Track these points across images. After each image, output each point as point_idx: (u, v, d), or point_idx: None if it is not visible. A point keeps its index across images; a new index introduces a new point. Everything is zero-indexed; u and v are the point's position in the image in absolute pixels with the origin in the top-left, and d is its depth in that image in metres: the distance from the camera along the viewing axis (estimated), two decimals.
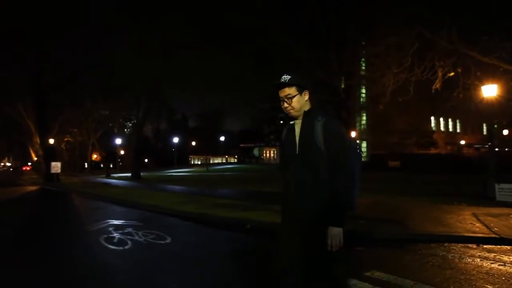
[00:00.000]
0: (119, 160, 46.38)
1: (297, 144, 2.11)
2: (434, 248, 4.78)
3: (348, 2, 18.47)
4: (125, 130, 42.66)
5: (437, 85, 12.27)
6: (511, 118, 15.08)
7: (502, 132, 31.29)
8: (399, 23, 13.09)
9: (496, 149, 10.65)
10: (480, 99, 11.70)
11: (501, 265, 4.00)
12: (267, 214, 7.24)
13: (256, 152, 58.18)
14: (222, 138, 48.19)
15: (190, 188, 15.40)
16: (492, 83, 10.74)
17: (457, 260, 4.20)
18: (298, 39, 20.30)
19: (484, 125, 48.94)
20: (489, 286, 3.35)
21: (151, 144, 66.22)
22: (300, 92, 2.10)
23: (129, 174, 30.62)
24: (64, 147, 40.79)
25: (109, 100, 32.86)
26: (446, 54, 12.20)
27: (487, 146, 36.29)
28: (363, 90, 33.86)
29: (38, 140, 33.84)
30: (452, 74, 12.01)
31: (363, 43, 19.23)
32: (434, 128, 41.01)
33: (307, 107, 2.15)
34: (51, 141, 26.59)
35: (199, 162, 69.27)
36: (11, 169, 76.66)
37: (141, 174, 26.96)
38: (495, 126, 11.08)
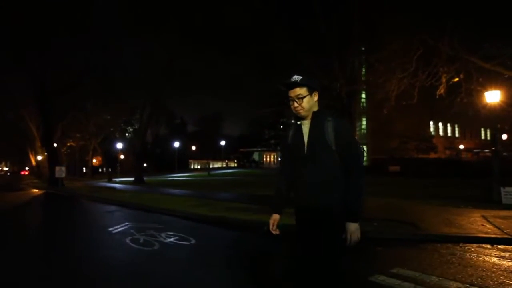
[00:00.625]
0: (118, 164, 46.39)
1: (306, 144, 2.13)
2: (451, 248, 4.99)
3: (351, 8, 18.78)
4: (126, 134, 42.74)
5: (441, 90, 12.56)
6: None
7: (501, 136, 31.69)
8: (402, 29, 13.43)
9: (505, 154, 10.90)
10: (483, 104, 11.99)
11: None
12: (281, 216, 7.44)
13: (256, 156, 58.38)
14: (223, 143, 48.35)
15: (196, 192, 15.54)
16: (495, 89, 11.03)
17: (475, 259, 4.42)
18: (301, 45, 20.60)
19: (482, 130, 49.58)
20: (510, 282, 3.56)
21: (150, 149, 66.21)
22: (311, 93, 2.15)
23: (131, 179, 30.68)
24: (64, 152, 40.76)
25: (109, 105, 33.02)
26: (449, 60, 12.52)
27: (486, 150, 36.48)
28: (363, 95, 34.26)
29: (39, 144, 33.98)
30: (456, 79, 12.31)
31: (363, 48, 19.58)
32: (433, 133, 41.42)
33: (316, 108, 2.19)
34: (55, 145, 26.62)
35: (199, 167, 69.33)
36: (9, 174, 76.16)
37: (144, 178, 27.06)
38: (497, 130, 11.32)
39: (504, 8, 12.43)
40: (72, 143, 37.72)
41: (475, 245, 5.17)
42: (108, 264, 4.50)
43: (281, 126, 41.84)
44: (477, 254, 4.68)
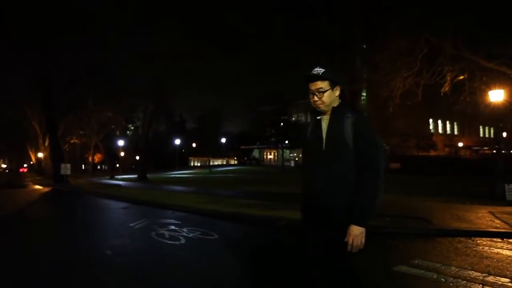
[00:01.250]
0: (116, 162, 46.55)
1: (324, 140, 2.06)
2: (464, 242, 5.25)
3: (354, 8, 18.97)
4: (128, 132, 42.82)
5: (446, 88, 12.81)
6: None
7: (501, 134, 32.07)
8: (406, 29, 13.64)
9: (504, 151, 11.18)
10: (486, 103, 12.26)
11: None
12: (294, 212, 7.68)
13: (256, 154, 58.65)
14: (223, 140, 48.56)
15: (203, 189, 15.78)
16: (499, 87, 11.29)
17: (489, 251, 4.68)
18: (304, 44, 20.79)
19: (481, 127, 50.02)
20: None
21: (149, 146, 66.23)
22: (332, 87, 2.07)
23: (133, 176, 30.91)
24: (66, 149, 40.85)
25: (110, 103, 33.12)
26: (453, 59, 12.77)
27: (485, 148, 36.82)
28: (363, 93, 34.47)
29: (42, 141, 34.08)
30: (461, 77, 12.56)
31: (365, 47, 19.82)
32: (432, 131, 41.81)
33: (336, 103, 2.11)
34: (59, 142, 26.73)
35: (199, 164, 69.52)
36: (7, 171, 76.04)
37: (147, 176, 27.26)
38: (500, 128, 11.59)
39: (505, 8, 12.70)
40: (75, 140, 37.79)
41: (486, 239, 5.43)
42: (145, 257, 4.66)
43: (281, 124, 42.13)
44: (489, 247, 4.93)
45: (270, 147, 48.65)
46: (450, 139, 44.15)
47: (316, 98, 2.07)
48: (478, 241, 5.28)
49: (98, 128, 37.91)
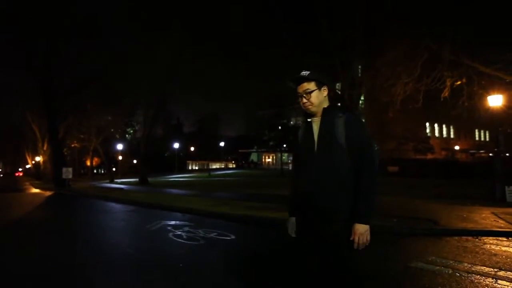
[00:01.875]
0: (112, 165, 46.51)
1: (316, 142, 2.06)
2: (471, 241, 5.50)
3: (355, 12, 19.26)
4: (127, 136, 42.86)
5: (446, 93, 13.17)
6: None
7: (503, 138, 32.59)
8: (405, 36, 14.00)
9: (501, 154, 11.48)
10: (485, 108, 12.62)
11: None
12: None
13: (254, 157, 58.83)
14: (222, 144, 48.75)
15: (206, 193, 15.91)
16: (497, 92, 11.62)
17: (497, 249, 4.93)
18: (304, 49, 21.11)
19: (476, 131, 50.68)
20: None
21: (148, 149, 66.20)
22: (319, 87, 2.09)
23: (132, 180, 30.99)
24: (64, 153, 40.82)
25: (110, 106, 33.21)
26: (453, 65, 13.15)
27: (482, 151, 37.25)
28: (361, 97, 34.87)
29: (41, 145, 34.04)
30: (459, 82, 12.92)
31: (364, 50, 20.17)
32: (429, 134, 42.32)
33: (326, 103, 2.12)
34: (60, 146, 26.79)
35: (197, 167, 69.59)
36: (2, 175, 75.49)
37: (148, 179, 27.33)
38: (499, 132, 11.93)
39: (502, 17, 13.13)
40: (76, 144, 37.78)
41: (492, 238, 5.69)
42: (169, 256, 4.86)
43: (280, 128, 42.41)
44: (497, 245, 5.19)
45: (269, 150, 48.90)
46: (446, 142, 44.70)
47: (304, 100, 2.10)
48: (484, 240, 5.53)
49: (98, 131, 37.97)
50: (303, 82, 2.09)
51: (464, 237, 5.72)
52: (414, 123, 35.80)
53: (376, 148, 2.11)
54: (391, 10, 15.28)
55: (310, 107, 2.09)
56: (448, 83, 13.00)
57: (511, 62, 11.89)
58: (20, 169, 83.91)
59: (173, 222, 7.62)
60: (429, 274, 3.81)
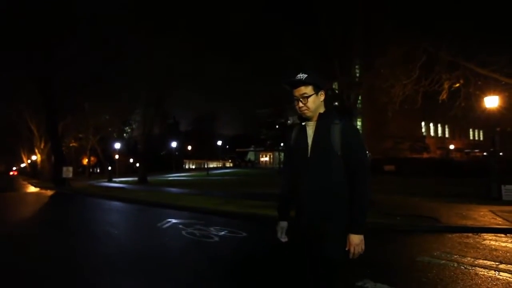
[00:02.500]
0: (108, 164, 46.47)
1: (310, 147, 2.03)
2: (472, 237, 5.79)
3: (354, 11, 19.49)
4: (124, 135, 42.86)
5: (444, 96, 13.51)
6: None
7: (498, 138, 33.16)
8: (404, 38, 14.31)
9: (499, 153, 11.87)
10: (482, 108, 12.97)
11: None
12: None
13: (251, 156, 59.11)
14: (219, 143, 48.91)
15: (208, 191, 16.11)
16: (494, 93, 11.96)
17: (497, 245, 5.22)
18: (303, 49, 21.34)
19: (471, 130, 51.38)
20: None
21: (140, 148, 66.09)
22: (316, 92, 2.03)
23: (130, 179, 31.07)
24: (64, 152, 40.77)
25: (108, 105, 33.25)
26: (450, 67, 13.49)
27: (476, 150, 37.70)
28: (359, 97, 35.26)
29: (39, 144, 33.95)
30: (457, 85, 13.26)
31: (363, 50, 20.47)
32: (424, 133, 42.89)
33: (322, 109, 2.08)
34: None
35: (193, 167, 69.65)
36: None
37: (147, 178, 27.44)
38: (496, 132, 12.29)
39: (498, 21, 13.49)
40: (74, 144, 37.73)
41: (491, 234, 5.98)
42: (187, 253, 5.04)
43: (277, 126, 42.74)
44: (496, 241, 5.48)
45: (266, 149, 49.20)
46: (441, 141, 45.32)
47: (301, 104, 2.04)
48: (484, 236, 5.82)
49: (95, 130, 37.95)
50: (300, 85, 2.03)
51: (465, 234, 6.01)
52: (410, 123, 36.30)
53: (368, 155, 2.24)
54: (390, 10, 15.61)
55: (306, 111, 2.05)
56: (446, 86, 13.32)
57: (506, 64, 12.26)
58: (14, 168, 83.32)
59: (181, 220, 7.82)
60: (437, 267, 4.08)
